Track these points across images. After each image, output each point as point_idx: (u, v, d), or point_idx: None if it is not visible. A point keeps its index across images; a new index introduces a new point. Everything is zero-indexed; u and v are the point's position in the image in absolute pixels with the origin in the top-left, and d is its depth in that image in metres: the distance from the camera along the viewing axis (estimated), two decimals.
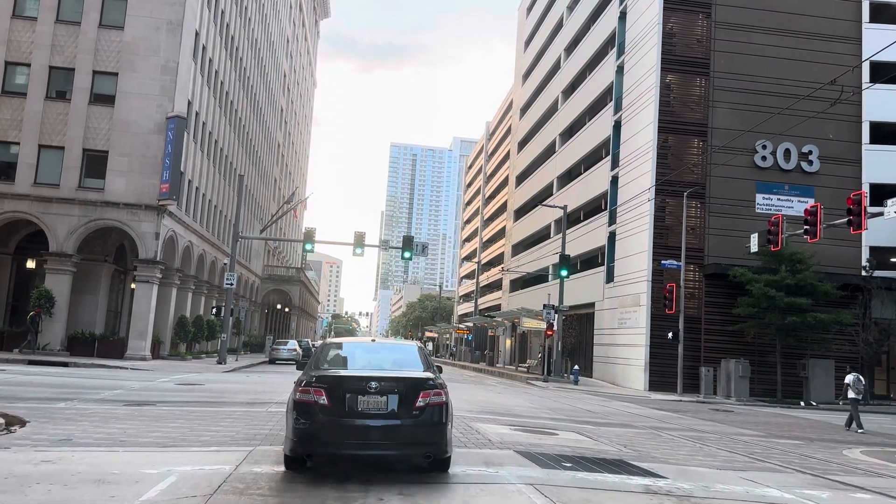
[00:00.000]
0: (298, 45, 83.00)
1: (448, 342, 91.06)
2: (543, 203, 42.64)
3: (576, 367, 35.01)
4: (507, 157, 77.28)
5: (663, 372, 33.99)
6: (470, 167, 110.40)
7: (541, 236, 55.16)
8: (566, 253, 37.57)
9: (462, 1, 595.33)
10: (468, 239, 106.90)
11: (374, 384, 7.56)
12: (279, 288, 69.37)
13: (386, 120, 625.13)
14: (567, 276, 37.28)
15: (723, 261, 34.59)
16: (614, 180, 40.12)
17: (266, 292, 68.50)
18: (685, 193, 33.15)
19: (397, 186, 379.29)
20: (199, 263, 41.74)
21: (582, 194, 44.86)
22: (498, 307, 72.85)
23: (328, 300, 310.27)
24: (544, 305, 36.02)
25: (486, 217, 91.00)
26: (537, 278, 56.68)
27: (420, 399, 7.59)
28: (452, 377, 36.31)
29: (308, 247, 34.94)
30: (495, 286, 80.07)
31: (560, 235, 48.64)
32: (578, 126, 48.45)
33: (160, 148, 33.13)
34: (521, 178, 64.11)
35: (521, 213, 63.63)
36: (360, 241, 35.20)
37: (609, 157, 41.16)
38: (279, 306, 73.05)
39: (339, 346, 9.22)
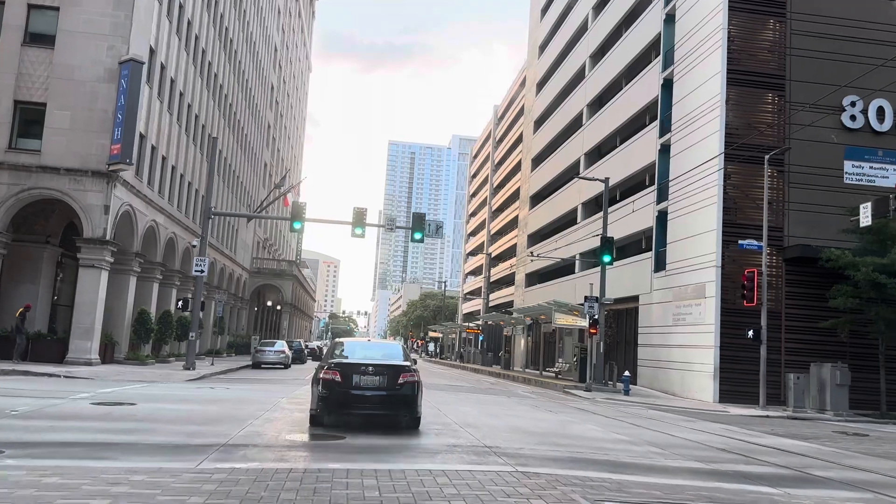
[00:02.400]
0: (291, 21, 76.41)
1: (453, 342, 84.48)
2: (580, 176, 36.10)
3: (626, 373, 28.47)
4: (518, 140, 70.82)
5: (736, 379, 27.48)
6: (475, 156, 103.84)
7: (564, 223, 48.61)
8: (608, 235, 31.03)
9: (461, 3, 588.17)
10: (474, 233, 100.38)
11: (371, 368, 11.47)
12: (270, 283, 62.71)
13: (385, 121, 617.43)
14: (610, 263, 30.76)
15: (807, 241, 28.11)
16: (664, 149, 33.61)
17: (255, 288, 61.87)
18: (766, 157, 26.61)
19: (395, 185, 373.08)
20: (169, 249, 35.13)
21: (619, 170, 38.28)
22: (509, 304, 66.35)
23: (325, 300, 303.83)
24: (586, 298, 29.49)
25: (494, 208, 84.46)
26: (558, 271, 50.18)
27: (401, 378, 11.46)
28: (473, 385, 29.78)
29: (296, 225, 28.40)
30: (505, 282, 73.55)
31: (587, 221, 42.26)
32: (612, 93, 41.94)
33: (111, 100, 26.60)
34: (538, 160, 57.56)
35: (538, 199, 57.07)
36: (360, 219, 28.64)
37: (656, 123, 34.64)
38: (269, 303, 66.39)
39: (344, 344, 13.02)
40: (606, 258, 30.52)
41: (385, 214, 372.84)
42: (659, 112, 34.45)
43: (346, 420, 11.95)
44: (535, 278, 57.10)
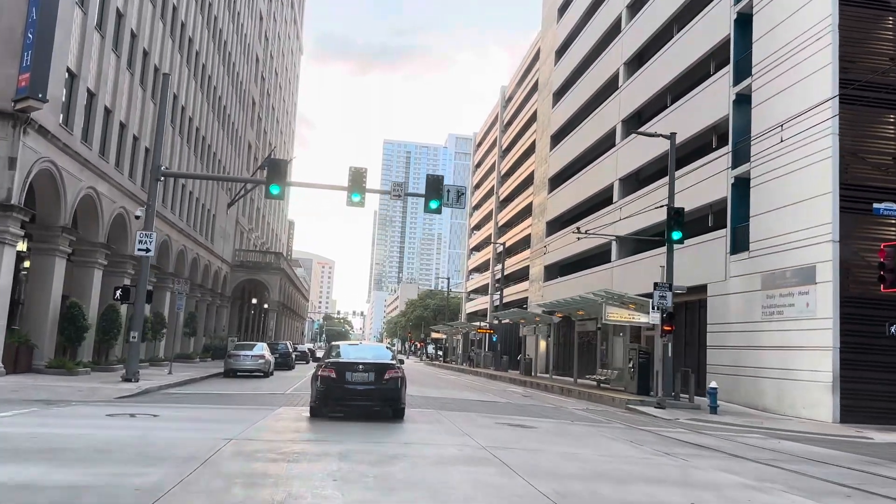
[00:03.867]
0: None
1: (457, 344, 77.49)
2: (637, 132, 29.07)
3: (712, 384, 21.49)
4: (531, 120, 63.95)
5: (863, 391, 20.56)
6: (479, 144, 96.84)
7: (595, 204, 41.68)
8: (678, 206, 24.05)
9: (456, 4, 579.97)
10: (478, 226, 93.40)
11: (361, 367, 13.29)
12: (254, 278, 55.55)
13: (381, 123, 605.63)
14: (681, 241, 23.81)
15: None
16: (741, 99, 26.71)
17: (238, 283, 54.75)
18: None
19: (390, 185, 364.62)
20: (118, 228, 28.08)
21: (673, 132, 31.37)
22: (522, 302, 59.43)
23: (320, 301, 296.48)
24: (656, 285, 22.49)
25: (502, 197, 77.53)
26: (585, 262, 43.38)
27: (387, 374, 13.23)
28: (506, 400, 22.74)
29: (274, 190, 21.39)
30: (515, 277, 66.52)
31: (627, 199, 35.32)
32: (657, 45, 35.06)
33: (20, 17, 19.56)
34: (559, 137, 50.66)
35: (559, 180, 50.17)
36: (357, 181, 21.71)
37: (728, 69, 27.73)
38: (254, 301, 59.22)
39: (340, 347, 15.15)
40: (676, 235, 23.53)
41: (380, 214, 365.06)
42: (731, 54, 27.55)
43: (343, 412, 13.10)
44: (556, 271, 50.21)
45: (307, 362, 52.94)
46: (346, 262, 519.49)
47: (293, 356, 42.30)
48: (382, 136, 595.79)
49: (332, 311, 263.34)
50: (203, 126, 40.91)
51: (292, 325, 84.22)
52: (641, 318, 25.56)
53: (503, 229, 74.64)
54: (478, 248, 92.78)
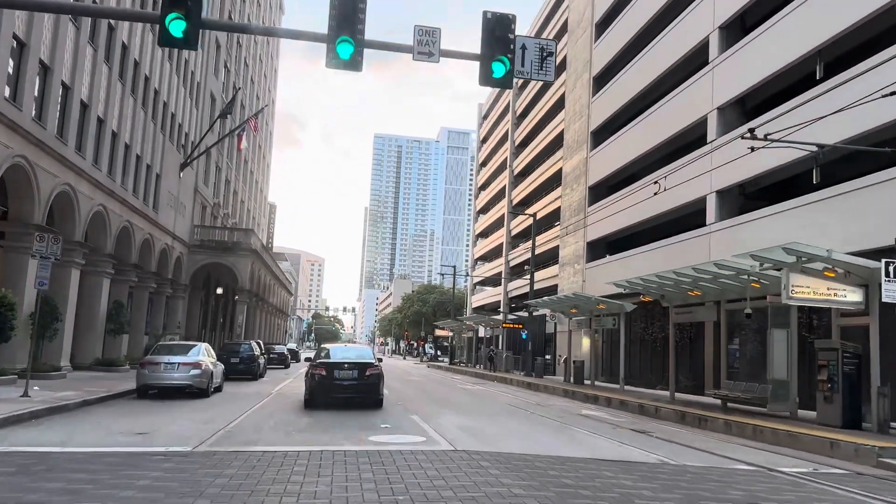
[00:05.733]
0: None
1: (467, 343, 66.51)
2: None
3: None
4: (558, 71, 52.99)
5: None
6: (486, 117, 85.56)
7: (672, 151, 30.78)
8: None
9: (448, 6, 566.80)
10: (485, 209, 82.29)
11: (346, 365, 16.30)
12: (218, 262, 44.22)
13: (371, 122, 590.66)
14: None
15: None
16: None
17: (198, 268, 43.50)
18: None
19: (381, 180, 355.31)
20: (15, 186, 16.86)
21: (819, 25, 20.55)
22: (549, 290, 48.53)
23: (309, 299, 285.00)
24: None
25: (517, 171, 66.52)
26: (651, 232, 32.63)
27: (368, 371, 16.31)
28: (644, 449, 11.43)
29: (175, 29, 10.32)
30: (542, 261, 55.50)
31: (732, 133, 24.28)
32: None
33: None
34: (608, 75, 39.83)
35: (607, 131, 39.31)
36: (348, 18, 10.75)
37: None
38: (220, 291, 47.91)
39: (329, 349, 18.08)
40: None
41: (371, 210, 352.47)
42: None
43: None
44: (602, 248, 39.43)
45: (285, 367, 41.92)
46: (336, 260, 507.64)
47: (262, 360, 31.17)
48: (372, 130, 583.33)
49: (321, 309, 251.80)
50: (158, 76, 29.71)
51: (273, 322, 72.85)
52: (851, 296, 14.59)
53: (518, 208, 63.62)
54: (484, 234, 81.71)
